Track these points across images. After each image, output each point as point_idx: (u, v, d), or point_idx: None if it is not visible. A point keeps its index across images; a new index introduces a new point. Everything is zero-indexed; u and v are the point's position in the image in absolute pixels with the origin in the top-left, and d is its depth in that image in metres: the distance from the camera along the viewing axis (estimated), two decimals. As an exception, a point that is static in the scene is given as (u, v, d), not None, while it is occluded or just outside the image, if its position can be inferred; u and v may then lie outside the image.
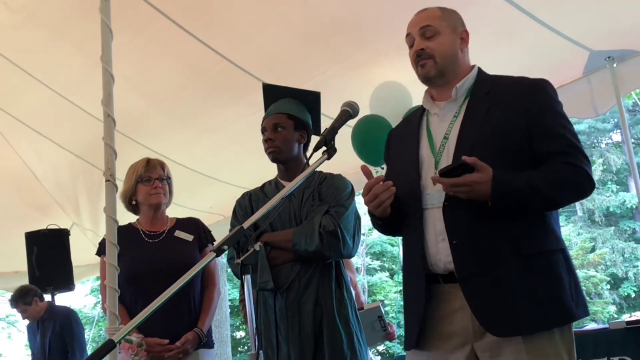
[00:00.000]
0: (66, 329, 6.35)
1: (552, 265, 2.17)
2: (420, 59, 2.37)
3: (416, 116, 2.51)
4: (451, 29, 2.38)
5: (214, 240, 3.66)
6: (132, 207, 3.61)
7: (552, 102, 2.27)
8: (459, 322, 2.21)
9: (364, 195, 2.32)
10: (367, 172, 2.37)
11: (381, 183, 2.29)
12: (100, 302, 3.54)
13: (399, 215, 2.39)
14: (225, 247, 1.85)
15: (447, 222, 2.22)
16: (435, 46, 2.35)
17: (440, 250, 2.24)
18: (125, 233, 3.36)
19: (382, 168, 4.87)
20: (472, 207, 2.17)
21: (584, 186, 2.21)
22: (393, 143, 2.60)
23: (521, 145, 2.21)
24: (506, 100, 2.27)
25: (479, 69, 2.43)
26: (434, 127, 2.40)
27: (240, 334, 22.75)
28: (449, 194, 2.19)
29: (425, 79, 2.40)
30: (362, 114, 4.70)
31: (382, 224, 2.46)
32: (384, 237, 22.96)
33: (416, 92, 3.67)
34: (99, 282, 4.10)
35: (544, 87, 2.29)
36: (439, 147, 2.32)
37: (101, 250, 3.45)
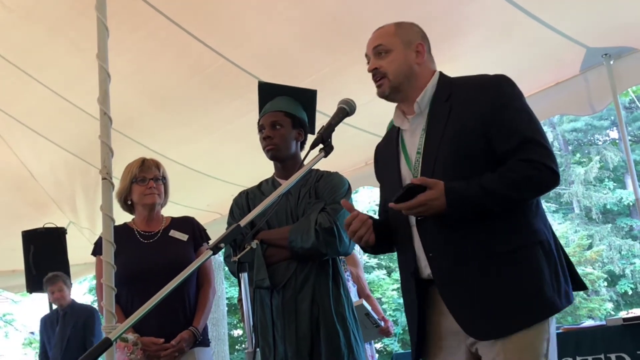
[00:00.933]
0: (89, 325, 6.42)
1: (526, 260, 2.16)
2: (375, 79, 2.42)
3: (394, 132, 2.54)
4: (404, 44, 2.40)
5: (209, 239, 3.66)
6: (128, 207, 3.62)
7: (507, 98, 2.26)
8: (450, 319, 2.24)
9: (346, 229, 2.39)
10: (348, 207, 2.43)
11: (358, 218, 2.34)
12: (97, 301, 3.53)
13: (386, 238, 2.45)
14: (222, 245, 1.85)
15: (422, 237, 2.27)
16: (387, 64, 2.39)
17: (426, 264, 2.29)
18: (121, 233, 3.37)
19: None
20: (441, 219, 2.20)
21: (542, 180, 2.18)
22: (379, 159, 2.63)
23: (482, 148, 2.22)
24: (464, 103, 2.28)
25: (440, 74, 2.44)
26: (408, 143, 2.43)
27: (237, 332, 22.76)
28: (413, 216, 2.24)
29: (382, 97, 2.44)
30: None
31: (370, 250, 2.50)
32: (382, 235, 22.93)
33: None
34: (95, 281, 4.08)
35: (498, 84, 2.29)
36: (414, 163, 2.35)
37: (97, 250, 3.45)
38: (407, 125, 2.43)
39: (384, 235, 2.42)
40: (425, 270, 2.29)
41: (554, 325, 2.21)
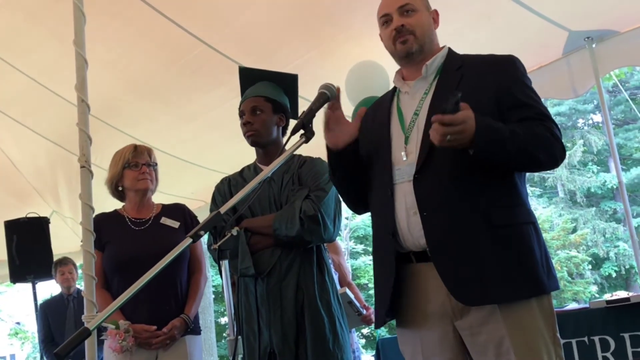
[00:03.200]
0: None
1: (523, 237, 2.18)
2: (401, 35, 2.36)
3: (387, 96, 2.53)
4: (426, 8, 2.42)
5: None
6: (118, 194, 3.59)
7: (521, 76, 2.30)
8: (436, 301, 2.21)
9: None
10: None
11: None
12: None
13: (358, 169, 2.42)
14: (202, 232, 1.83)
15: (417, 194, 2.22)
16: (415, 22, 2.36)
17: (411, 225, 2.23)
18: (111, 220, 3.37)
19: None
20: (442, 179, 2.18)
21: (556, 149, 2.21)
22: (362, 124, 2.54)
23: (492, 117, 2.19)
24: (476, 74, 2.29)
25: (449, 48, 2.45)
26: (404, 105, 2.40)
27: (224, 319, 22.81)
28: (441, 139, 2.07)
29: (406, 54, 2.37)
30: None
31: (334, 159, 2.41)
32: (368, 221, 23.03)
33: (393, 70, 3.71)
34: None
35: (513, 62, 2.32)
36: (409, 124, 2.33)
37: None
38: (407, 87, 2.41)
39: (353, 164, 2.40)
40: (406, 234, 2.25)
41: (552, 310, 2.22)
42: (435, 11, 2.45)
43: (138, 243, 3.42)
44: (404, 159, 2.28)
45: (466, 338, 2.19)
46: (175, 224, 3.55)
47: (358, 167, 2.43)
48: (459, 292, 2.14)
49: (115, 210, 3.58)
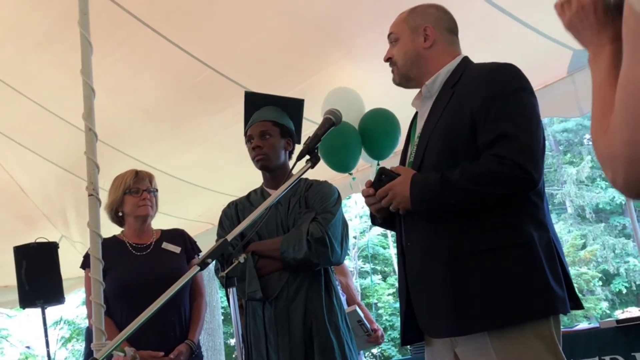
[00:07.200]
0: None
1: (497, 261, 2.04)
2: (390, 67, 2.43)
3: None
4: (412, 30, 2.37)
5: (200, 251, 3.66)
6: (118, 219, 3.59)
7: (501, 88, 2.13)
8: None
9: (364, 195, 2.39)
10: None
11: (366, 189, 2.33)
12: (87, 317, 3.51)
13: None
14: (209, 260, 1.84)
15: (403, 223, 2.28)
16: (396, 52, 2.40)
17: None
18: (112, 246, 3.36)
19: (351, 174, 4.90)
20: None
21: (508, 177, 2.02)
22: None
23: (467, 140, 2.13)
24: (465, 90, 2.21)
25: (463, 59, 2.36)
26: (417, 126, 2.41)
27: (234, 341, 22.71)
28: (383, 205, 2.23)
29: (397, 84, 2.45)
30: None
31: (381, 222, 2.47)
32: (376, 240, 22.99)
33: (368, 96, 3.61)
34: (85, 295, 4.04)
35: (498, 72, 2.19)
36: (415, 147, 2.34)
37: (86, 263, 3.44)
38: (418, 108, 2.43)
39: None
40: None
41: (552, 334, 2.06)
42: (428, 27, 2.34)
43: (141, 268, 3.43)
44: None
45: None
46: (177, 249, 3.56)
47: None
48: (424, 325, 2.18)
49: (115, 236, 3.58)
